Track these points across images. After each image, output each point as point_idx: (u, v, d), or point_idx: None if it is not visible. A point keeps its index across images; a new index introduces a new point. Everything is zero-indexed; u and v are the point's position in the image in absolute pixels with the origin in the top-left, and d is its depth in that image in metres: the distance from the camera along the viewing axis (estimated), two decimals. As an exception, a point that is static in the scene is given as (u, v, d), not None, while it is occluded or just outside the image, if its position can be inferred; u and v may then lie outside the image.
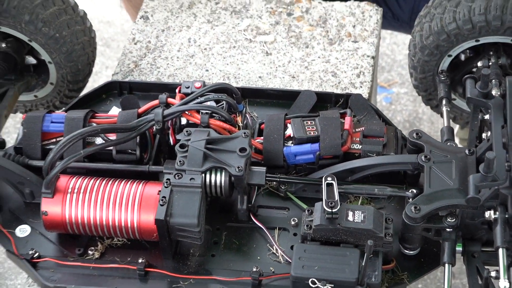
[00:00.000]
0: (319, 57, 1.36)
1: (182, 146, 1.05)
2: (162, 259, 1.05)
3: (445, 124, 1.19)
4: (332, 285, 0.97)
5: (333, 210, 0.97)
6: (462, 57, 1.25)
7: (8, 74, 1.27)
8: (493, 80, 1.07)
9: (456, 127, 1.36)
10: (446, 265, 1.02)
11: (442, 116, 1.24)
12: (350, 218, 0.99)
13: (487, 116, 1.05)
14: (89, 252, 1.06)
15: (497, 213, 0.98)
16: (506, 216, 0.97)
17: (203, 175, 1.03)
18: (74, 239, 1.08)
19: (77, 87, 1.35)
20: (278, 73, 1.34)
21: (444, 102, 1.24)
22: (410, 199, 1.02)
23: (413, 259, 1.06)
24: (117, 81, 1.26)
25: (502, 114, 1.00)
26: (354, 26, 1.40)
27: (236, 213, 1.08)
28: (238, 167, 1.02)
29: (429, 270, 1.06)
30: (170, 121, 1.10)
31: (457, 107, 1.32)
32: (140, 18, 1.45)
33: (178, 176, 1.02)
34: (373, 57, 1.36)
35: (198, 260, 1.06)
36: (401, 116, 2.01)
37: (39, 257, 1.06)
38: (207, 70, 1.35)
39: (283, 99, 1.23)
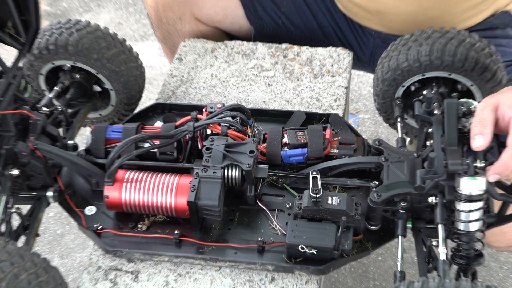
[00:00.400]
0: (306, 87, 1.35)
1: (207, 149, 1.04)
2: (192, 231, 1.05)
3: (399, 136, 1.18)
4: (316, 250, 0.96)
5: (317, 196, 0.97)
6: (412, 87, 1.24)
7: (80, 98, 1.27)
8: (435, 103, 1.06)
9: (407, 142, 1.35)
10: (400, 237, 1.01)
11: (397, 131, 1.22)
12: (329, 201, 0.98)
13: (430, 129, 1.04)
14: (139, 225, 1.06)
15: (437, 198, 0.97)
16: (444, 201, 0.96)
17: (223, 170, 1.02)
18: (128, 216, 1.08)
19: (130, 108, 1.34)
20: (276, 98, 1.34)
21: (398, 120, 1.23)
22: (373, 189, 1.01)
23: (375, 233, 1.05)
24: (160, 103, 1.26)
25: (441, 127, 0.99)
26: (332, 65, 1.39)
27: (246, 198, 1.08)
28: (248, 164, 1.02)
29: (387, 241, 1.05)
30: (199, 131, 1.09)
31: (408, 124, 1.31)
32: (176, 59, 1.44)
33: (204, 170, 1.02)
34: (346, 87, 1.35)
35: (218, 232, 1.05)
36: (365, 135, 1.99)
37: (102, 229, 1.06)
38: (225, 97, 1.35)
39: (281, 117, 1.23)
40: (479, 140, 0.90)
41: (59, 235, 1.78)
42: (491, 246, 1.24)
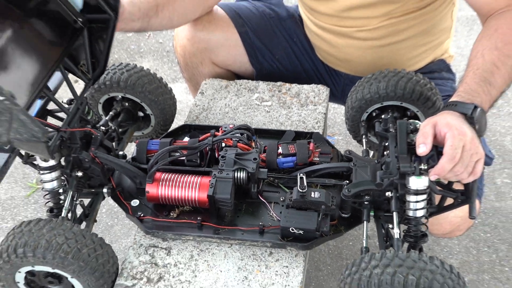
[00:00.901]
0: (295, 113, 1.34)
1: (222, 157, 1.04)
2: (210, 218, 1.03)
3: (364, 148, 1.17)
4: (302, 231, 0.95)
5: (303, 191, 0.96)
6: (374, 113, 1.23)
7: (128, 120, 1.27)
8: (390, 123, 1.04)
9: (370, 154, 1.33)
10: (365, 222, 1.00)
11: (362, 145, 1.21)
12: (312, 195, 0.97)
13: (387, 143, 1.02)
14: (171, 213, 1.05)
15: (392, 193, 0.96)
16: (397, 194, 0.95)
17: (233, 172, 1.01)
18: (163, 206, 1.06)
19: (165, 128, 1.33)
20: (273, 121, 1.33)
21: (363, 137, 1.21)
22: (345, 186, 0.99)
23: (347, 219, 1.03)
24: (187, 124, 1.26)
25: (395, 141, 0.98)
26: (314, 97, 1.37)
27: (250, 194, 1.05)
28: (252, 168, 1.01)
29: (356, 225, 1.03)
30: (216, 144, 1.08)
31: (371, 141, 1.29)
32: (199, 93, 1.44)
33: (220, 172, 1.01)
34: (324, 113, 1.33)
35: (229, 218, 1.04)
36: (339, 151, 1.94)
37: (143, 216, 1.04)
38: (235, 120, 1.34)
39: (276, 134, 1.22)
40: (422, 148, 0.89)
41: (109, 226, 1.76)
42: (431, 233, 1.22)
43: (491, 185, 1.83)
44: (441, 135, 0.90)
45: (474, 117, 0.93)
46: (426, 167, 0.90)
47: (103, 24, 1.01)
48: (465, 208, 0.99)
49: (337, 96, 1.56)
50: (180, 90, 2.38)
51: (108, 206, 1.80)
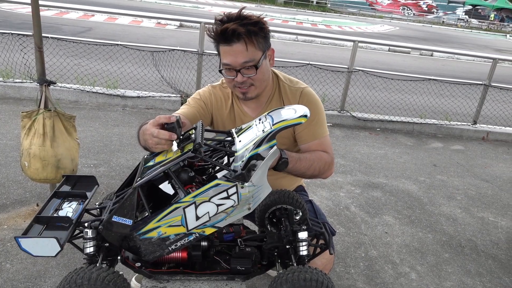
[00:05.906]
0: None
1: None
2: (187, 268, 1.41)
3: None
4: (244, 268, 1.38)
5: (241, 247, 1.43)
6: (270, 214, 1.62)
7: None
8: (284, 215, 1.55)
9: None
10: (276, 263, 1.46)
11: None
12: (247, 249, 1.43)
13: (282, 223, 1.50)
14: (162, 268, 1.42)
15: (289, 246, 1.43)
16: (292, 246, 1.41)
17: (200, 241, 1.42)
18: (158, 263, 1.42)
19: None
20: None
21: (267, 226, 1.63)
22: (263, 244, 1.46)
23: (266, 265, 1.45)
24: None
25: (288, 219, 1.49)
26: None
27: (209, 254, 1.45)
28: (210, 239, 1.47)
29: (271, 267, 1.44)
30: None
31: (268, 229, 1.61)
32: None
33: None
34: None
35: (199, 267, 1.40)
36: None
37: (146, 269, 1.41)
38: None
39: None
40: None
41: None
42: None
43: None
44: None
45: (282, 157, 1.50)
46: (305, 227, 1.46)
47: None
48: (327, 255, 1.57)
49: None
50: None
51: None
